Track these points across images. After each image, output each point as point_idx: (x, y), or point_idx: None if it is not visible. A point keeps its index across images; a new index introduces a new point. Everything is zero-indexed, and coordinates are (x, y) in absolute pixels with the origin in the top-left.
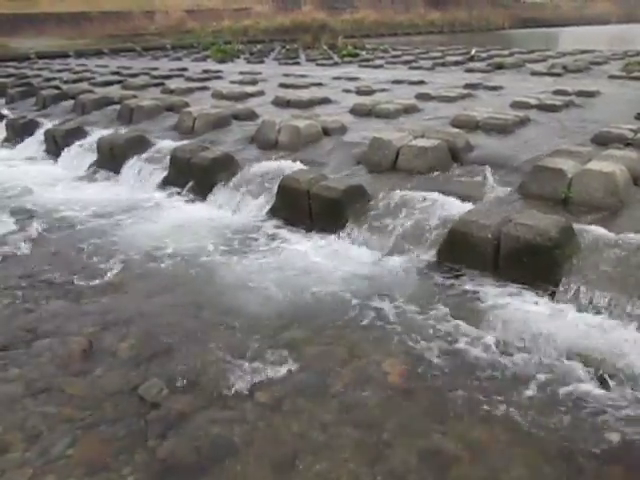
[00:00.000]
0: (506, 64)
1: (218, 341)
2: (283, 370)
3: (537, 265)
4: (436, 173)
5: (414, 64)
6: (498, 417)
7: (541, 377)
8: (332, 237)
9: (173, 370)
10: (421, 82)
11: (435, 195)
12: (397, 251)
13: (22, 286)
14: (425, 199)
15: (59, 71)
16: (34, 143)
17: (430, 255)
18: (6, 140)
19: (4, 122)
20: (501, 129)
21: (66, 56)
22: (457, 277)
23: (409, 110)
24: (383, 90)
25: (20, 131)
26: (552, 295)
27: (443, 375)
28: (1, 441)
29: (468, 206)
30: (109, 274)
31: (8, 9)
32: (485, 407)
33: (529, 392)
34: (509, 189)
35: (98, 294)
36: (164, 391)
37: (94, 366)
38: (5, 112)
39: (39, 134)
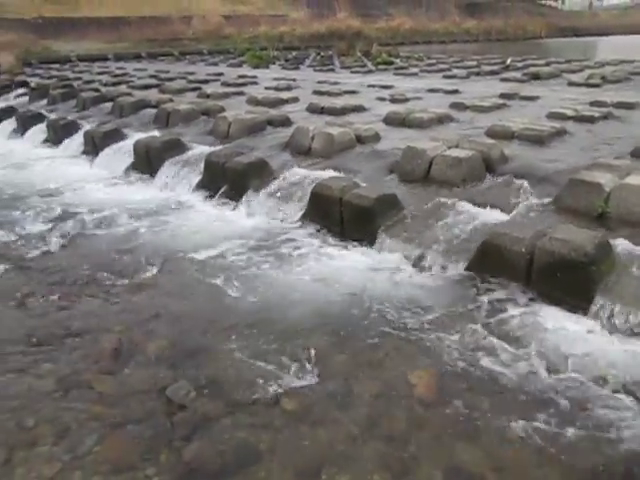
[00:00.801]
0: (542, 74)
1: (246, 345)
2: (310, 378)
3: (571, 281)
4: (470, 184)
5: (448, 73)
6: (526, 437)
7: (572, 398)
8: (363, 245)
9: (201, 373)
10: (455, 91)
11: (468, 206)
12: (428, 261)
13: (57, 283)
14: (458, 210)
15: (99, 74)
16: (73, 144)
17: (461, 267)
18: (47, 140)
19: (45, 123)
20: (537, 140)
21: (106, 59)
22: (488, 290)
23: (443, 119)
24: (417, 99)
25: (60, 132)
26: (585, 312)
27: (471, 390)
28: (32, 435)
29: (502, 218)
30: (141, 274)
31: (52, 13)
32: (513, 426)
33: (559, 413)
34: (544, 202)
35: (129, 293)
36: (191, 393)
37: (124, 365)
38: (46, 113)
39: (78, 135)
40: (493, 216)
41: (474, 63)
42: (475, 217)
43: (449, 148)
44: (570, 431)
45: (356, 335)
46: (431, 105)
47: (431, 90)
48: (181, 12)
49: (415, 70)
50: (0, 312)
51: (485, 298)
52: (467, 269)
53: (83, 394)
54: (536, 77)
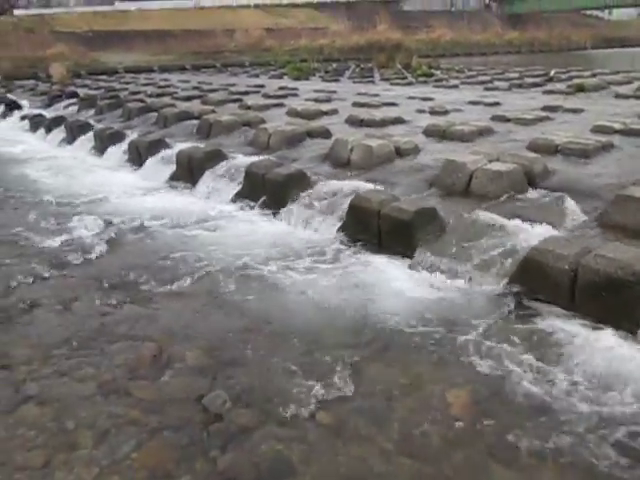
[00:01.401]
0: (588, 86)
1: (283, 357)
2: (346, 392)
3: (618, 301)
4: (511, 198)
5: (490, 85)
6: (567, 464)
7: (619, 425)
8: (401, 259)
9: (237, 383)
10: (497, 103)
11: (509, 221)
12: (467, 277)
13: (100, 288)
14: (498, 224)
15: (144, 85)
16: (119, 153)
17: (502, 283)
18: (94, 149)
19: (92, 132)
20: (581, 154)
21: (151, 71)
22: (529, 308)
23: (484, 132)
24: (457, 111)
25: (106, 141)
26: (634, 334)
27: (509, 412)
28: (72, 438)
29: (544, 234)
30: (180, 282)
31: (102, 27)
32: (553, 451)
33: (603, 440)
34: (589, 218)
35: (168, 301)
36: (227, 403)
37: (162, 372)
38: (94, 122)
39: (123, 144)
40: (535, 231)
41: (516, 75)
42: (516, 232)
43: (490, 161)
44: (620, 461)
45: (393, 350)
46: (472, 118)
47: (472, 102)
48: (225, 25)
49: (455, 82)
50: (47, 316)
51: (526, 315)
52: (507, 285)
53: (122, 399)
54: (581, 89)
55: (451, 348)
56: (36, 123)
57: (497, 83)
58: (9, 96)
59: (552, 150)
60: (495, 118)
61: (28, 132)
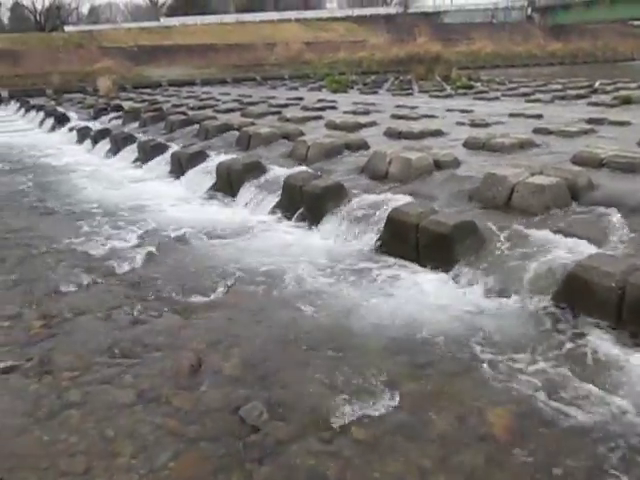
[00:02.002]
0: (634, 98)
1: (320, 369)
2: (383, 407)
3: None
4: (554, 213)
5: (532, 97)
6: None
7: None
8: (440, 273)
9: (274, 395)
10: (539, 116)
11: (552, 236)
12: (508, 292)
13: (139, 298)
14: (541, 240)
15: (186, 98)
16: (161, 164)
17: (544, 300)
18: (137, 160)
19: (136, 144)
20: (628, 168)
21: (193, 84)
22: (574, 326)
23: (525, 145)
24: (498, 123)
25: (149, 152)
26: None
27: (553, 434)
28: (112, 445)
29: (589, 250)
30: (218, 292)
31: (147, 41)
32: (597, 476)
33: None
34: (636, 235)
35: (207, 311)
36: (264, 415)
37: (200, 382)
38: (137, 135)
39: (166, 156)
40: (579, 247)
41: (559, 87)
42: (559, 248)
43: (532, 175)
44: None
45: (432, 365)
46: (513, 130)
47: (513, 115)
48: (265, 39)
49: (496, 94)
50: (89, 323)
51: (569, 334)
52: (550, 303)
53: (161, 408)
54: (627, 101)
55: (492, 365)
56: (83, 135)
57: (539, 95)
58: (58, 109)
59: (597, 164)
60: (537, 131)
61: (75, 143)
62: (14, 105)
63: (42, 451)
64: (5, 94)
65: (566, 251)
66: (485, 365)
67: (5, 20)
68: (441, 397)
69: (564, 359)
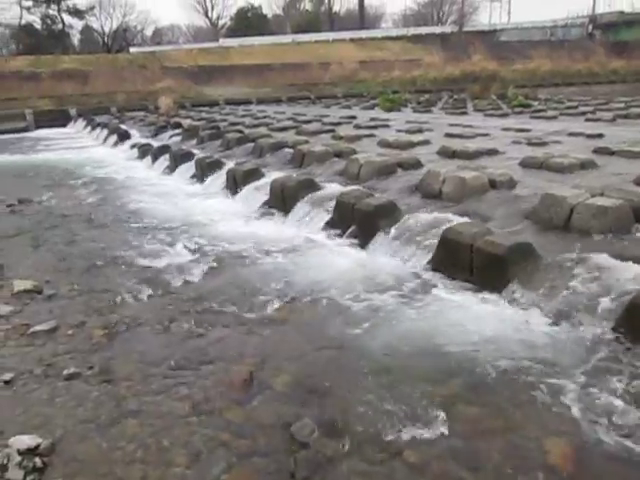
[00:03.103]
0: None
1: (371, 389)
2: (435, 430)
3: None
4: (616, 236)
5: (592, 116)
6: None
7: None
8: (494, 295)
9: (325, 412)
10: (600, 135)
11: (614, 260)
12: (567, 317)
13: (195, 311)
14: (602, 263)
15: (242, 116)
16: (217, 180)
17: (604, 326)
18: (194, 176)
19: (194, 160)
20: None
21: (249, 102)
22: (636, 355)
23: (586, 165)
24: (556, 143)
25: (206, 169)
26: None
27: (614, 470)
28: (167, 455)
29: None
30: (271, 308)
31: (206, 61)
32: None
33: None
34: None
35: (260, 326)
36: (315, 433)
37: (252, 396)
38: (195, 151)
39: (222, 173)
40: None
41: (621, 105)
42: (622, 272)
43: (593, 196)
44: None
45: (486, 389)
46: (572, 150)
47: (572, 134)
48: (320, 59)
49: (554, 113)
50: (147, 334)
51: (631, 364)
52: (611, 330)
53: (214, 421)
54: None
55: (548, 392)
56: (143, 151)
57: (600, 114)
58: (121, 126)
59: None
60: (598, 151)
61: (136, 160)
62: (81, 122)
63: (101, 458)
64: (74, 112)
65: (629, 276)
66: (541, 392)
67: (76, 42)
68: (495, 423)
69: (624, 388)
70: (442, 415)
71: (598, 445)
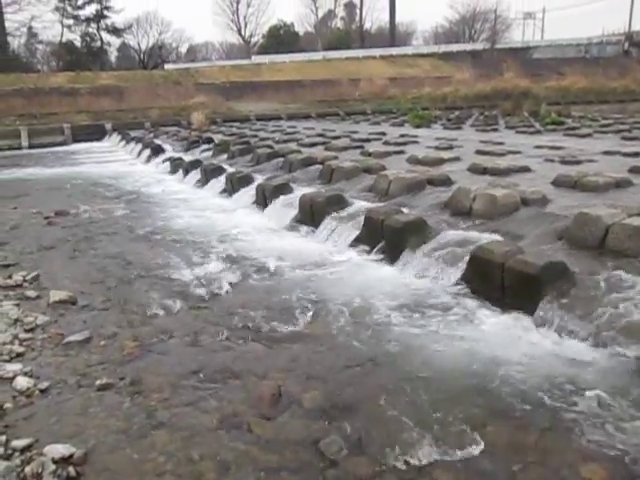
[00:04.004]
0: None
1: (401, 407)
2: (466, 451)
3: None
4: None
5: (628, 134)
6: None
7: None
8: (526, 316)
9: (353, 429)
10: (636, 154)
11: None
12: (602, 340)
13: (224, 324)
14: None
15: (272, 132)
16: (246, 195)
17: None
18: (224, 191)
19: (224, 175)
20: None
21: (279, 118)
22: None
23: (622, 184)
24: (590, 161)
25: (236, 184)
26: None
27: None
28: (197, 467)
29: None
30: (299, 323)
31: (238, 78)
32: None
33: None
34: None
35: (288, 341)
36: (343, 450)
37: (280, 411)
38: (226, 166)
39: (251, 187)
40: None
41: None
42: None
43: (629, 216)
44: None
45: (519, 412)
46: (607, 168)
47: (607, 152)
48: (350, 75)
49: (588, 131)
50: (178, 346)
51: None
52: None
53: (243, 435)
54: None
55: (586, 417)
56: (176, 166)
57: (636, 132)
58: (155, 141)
59: None
60: (634, 170)
61: (169, 174)
62: (116, 137)
63: (132, 468)
64: (109, 126)
65: None
66: (577, 416)
67: (113, 59)
68: (527, 446)
69: None
70: (474, 436)
71: (637, 474)
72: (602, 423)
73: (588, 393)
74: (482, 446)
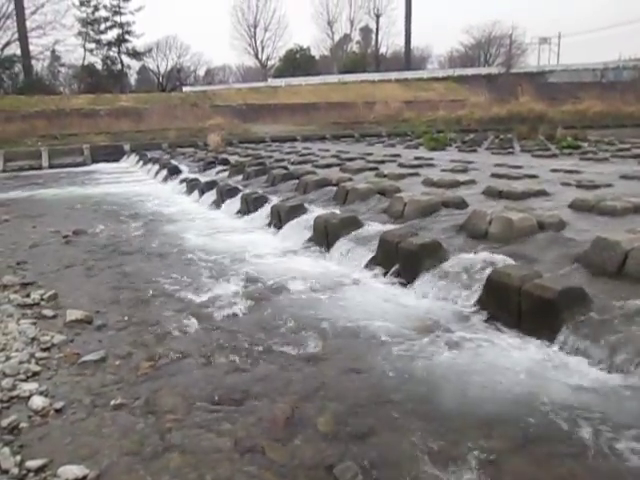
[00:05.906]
0: None
1: (415, 433)
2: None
3: None
4: None
5: None
6: None
7: None
8: (542, 340)
9: (368, 455)
10: None
11: None
12: (624, 367)
13: (238, 345)
14: None
15: (287, 153)
16: (261, 216)
17: None
18: (239, 212)
19: (239, 196)
20: None
21: (294, 140)
22: None
23: None
24: (608, 185)
25: (251, 205)
26: None
27: None
28: None
29: None
30: (313, 345)
31: (254, 100)
32: None
33: None
34: None
35: (302, 363)
36: (359, 476)
37: (294, 435)
38: (241, 187)
39: (266, 208)
40: None
41: None
42: None
43: None
44: None
45: (536, 443)
46: (625, 193)
47: (625, 177)
48: (365, 98)
49: (605, 155)
50: (192, 367)
51: None
52: None
53: (256, 458)
54: None
55: (607, 447)
56: (192, 186)
57: None
58: (172, 162)
59: None
60: None
61: (185, 194)
62: (134, 157)
63: None
64: (127, 147)
65: None
66: (601, 448)
67: (132, 81)
68: (548, 477)
69: None
70: (490, 468)
71: None
72: (626, 455)
73: (609, 422)
74: (500, 475)
